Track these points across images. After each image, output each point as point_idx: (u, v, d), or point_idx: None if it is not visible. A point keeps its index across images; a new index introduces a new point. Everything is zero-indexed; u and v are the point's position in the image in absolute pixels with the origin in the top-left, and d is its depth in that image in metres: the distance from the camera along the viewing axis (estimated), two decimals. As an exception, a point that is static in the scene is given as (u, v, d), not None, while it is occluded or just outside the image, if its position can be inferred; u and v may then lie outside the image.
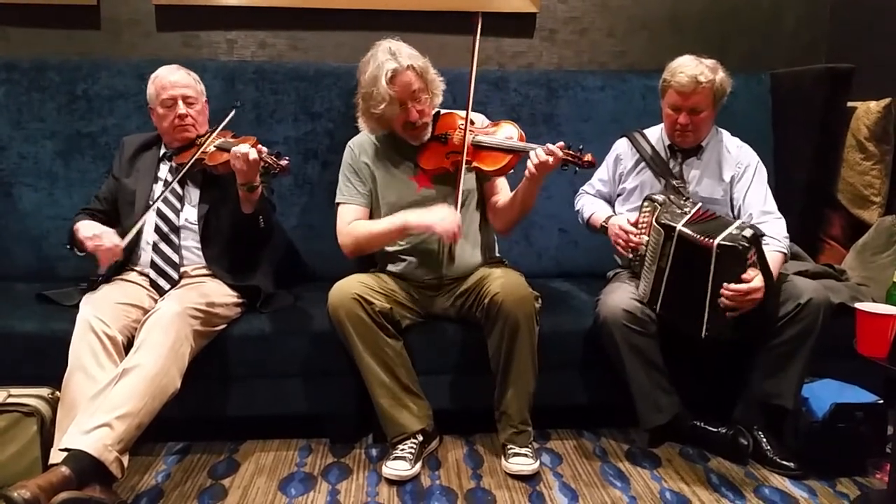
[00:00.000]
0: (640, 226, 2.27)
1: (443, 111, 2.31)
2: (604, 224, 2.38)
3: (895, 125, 2.73)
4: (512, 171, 2.20)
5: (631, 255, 2.29)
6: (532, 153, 2.08)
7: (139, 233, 2.24)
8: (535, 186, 2.16)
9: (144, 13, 2.94)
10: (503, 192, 2.32)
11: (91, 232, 2.13)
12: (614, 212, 2.47)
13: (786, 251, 2.24)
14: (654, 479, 2.15)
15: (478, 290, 2.17)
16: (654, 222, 2.19)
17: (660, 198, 2.24)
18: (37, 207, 2.69)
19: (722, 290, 2.04)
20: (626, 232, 2.26)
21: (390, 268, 2.28)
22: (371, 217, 2.29)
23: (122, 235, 2.29)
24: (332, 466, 2.20)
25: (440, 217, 2.09)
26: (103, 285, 2.18)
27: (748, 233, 2.04)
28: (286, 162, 2.06)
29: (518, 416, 2.16)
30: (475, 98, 2.46)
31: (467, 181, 2.27)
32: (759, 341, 2.19)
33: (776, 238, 2.22)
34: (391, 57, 2.11)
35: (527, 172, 2.11)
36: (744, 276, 2.03)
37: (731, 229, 2.06)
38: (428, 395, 2.23)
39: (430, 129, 2.25)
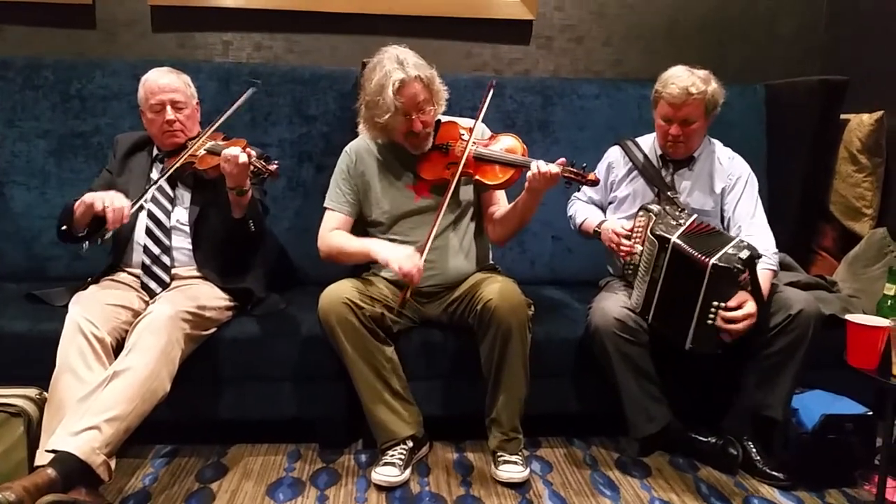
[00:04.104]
0: (634, 235, 2.27)
1: (444, 119, 2.29)
2: (596, 229, 2.38)
3: (887, 138, 2.75)
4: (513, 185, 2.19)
5: (627, 260, 2.29)
6: (532, 168, 2.07)
7: (132, 231, 2.23)
8: (534, 201, 2.15)
9: (140, 13, 2.94)
10: (501, 202, 2.31)
11: (99, 194, 2.07)
12: (606, 219, 2.47)
13: (775, 268, 2.24)
14: (644, 489, 2.15)
15: (471, 296, 2.17)
16: (648, 233, 2.19)
17: (655, 208, 2.24)
18: (28, 207, 2.67)
19: (720, 314, 2.04)
20: (619, 236, 2.26)
21: (382, 273, 2.27)
22: (362, 221, 2.30)
23: (114, 235, 2.27)
24: (321, 472, 2.19)
25: (402, 257, 2.06)
26: (92, 286, 2.17)
27: (744, 254, 2.03)
28: (275, 166, 2.05)
29: (509, 423, 2.15)
30: (472, 104, 2.48)
31: (465, 192, 2.27)
32: (750, 352, 2.19)
33: (765, 255, 2.22)
34: (398, 66, 2.09)
35: (526, 186, 2.11)
36: (731, 303, 2.03)
37: (728, 249, 2.06)
38: (418, 401, 2.22)
39: (431, 138, 2.24)
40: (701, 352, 2.11)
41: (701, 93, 2.23)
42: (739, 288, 2.05)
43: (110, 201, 2.03)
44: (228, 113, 2.27)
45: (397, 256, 2.06)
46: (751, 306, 2.04)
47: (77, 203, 2.12)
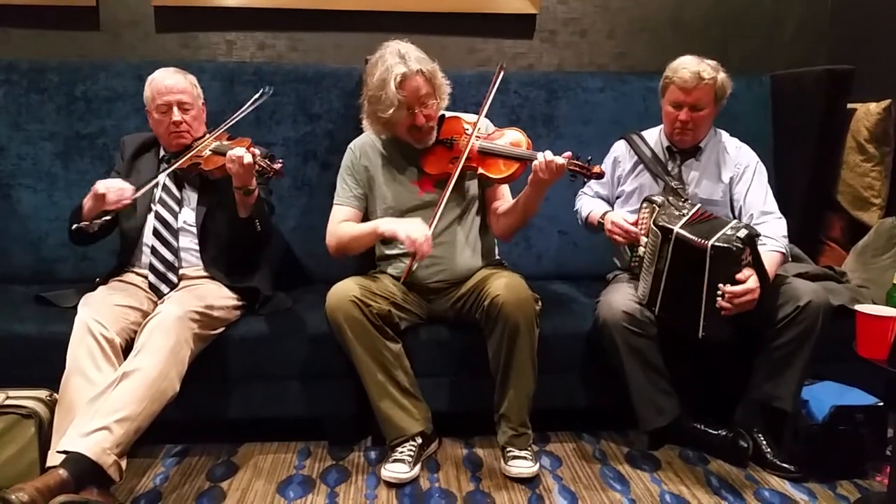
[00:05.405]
0: (639, 228, 2.27)
1: (447, 114, 2.29)
2: (600, 220, 2.38)
3: (895, 127, 2.73)
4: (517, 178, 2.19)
5: (630, 252, 2.29)
6: (537, 160, 2.06)
7: (139, 232, 2.24)
8: (538, 194, 2.14)
9: (143, 15, 2.94)
10: (505, 197, 2.31)
11: (103, 181, 2.12)
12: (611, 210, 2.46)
13: (784, 251, 2.23)
14: (654, 482, 2.15)
15: (478, 292, 2.17)
16: (651, 224, 2.19)
17: (658, 199, 2.24)
18: (35, 209, 2.68)
19: (719, 292, 2.04)
20: (623, 228, 2.26)
21: (389, 270, 2.27)
22: (368, 218, 2.29)
23: (123, 236, 2.29)
24: (331, 469, 2.20)
25: (410, 229, 2.05)
26: (101, 287, 2.18)
27: (742, 233, 2.04)
28: (280, 165, 2.06)
29: (517, 418, 2.15)
30: (477, 99, 2.48)
31: (470, 187, 2.27)
32: (759, 343, 2.19)
33: (774, 238, 2.22)
34: (400, 60, 2.09)
35: (531, 179, 2.10)
36: (738, 276, 2.03)
37: (726, 229, 2.07)
38: (427, 398, 2.22)
39: (434, 132, 2.24)
40: (715, 338, 2.10)
41: (711, 78, 2.24)
42: (742, 267, 2.04)
43: (113, 184, 2.08)
44: (237, 116, 2.30)
45: (405, 227, 2.06)
46: (752, 282, 2.04)
47: (86, 199, 2.14)
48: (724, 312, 2.06)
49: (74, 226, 2.17)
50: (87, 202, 2.14)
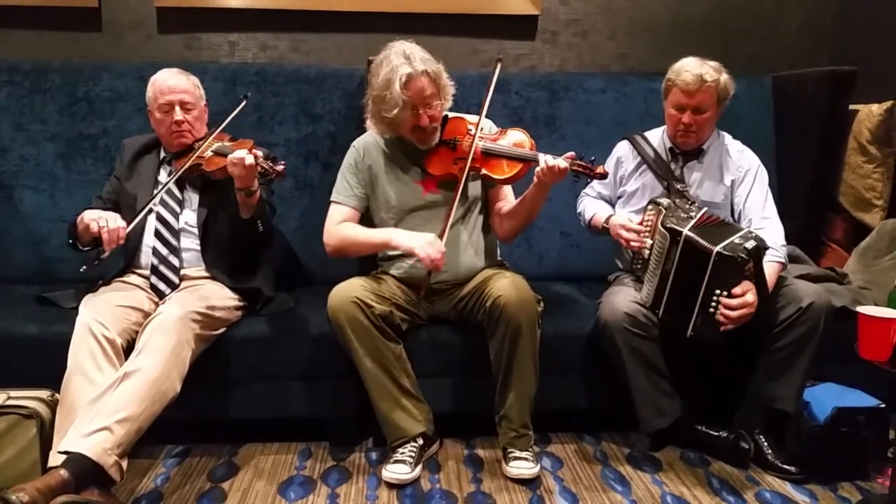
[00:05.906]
0: (644, 229, 2.26)
1: (451, 115, 2.29)
2: (605, 225, 2.37)
3: (897, 128, 2.73)
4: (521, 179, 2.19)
5: (633, 253, 2.28)
6: (540, 162, 2.07)
7: (141, 233, 2.24)
8: (541, 195, 2.15)
9: (146, 15, 2.95)
10: (508, 198, 2.31)
11: (97, 214, 2.08)
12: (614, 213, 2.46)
13: (783, 260, 2.23)
14: (655, 483, 2.14)
15: (480, 293, 2.17)
16: (659, 226, 2.18)
17: (665, 201, 2.23)
18: (38, 209, 2.69)
19: (715, 298, 2.04)
20: (631, 230, 2.25)
21: (391, 271, 2.27)
22: (369, 218, 2.30)
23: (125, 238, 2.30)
24: (332, 470, 2.20)
25: (424, 244, 2.05)
26: (103, 287, 2.18)
27: (750, 245, 2.03)
28: (282, 167, 2.05)
29: (519, 419, 2.15)
30: (479, 100, 2.47)
31: (472, 188, 2.27)
32: (761, 345, 2.19)
33: (773, 247, 2.21)
34: (406, 61, 2.09)
35: (535, 180, 2.10)
36: (736, 290, 2.03)
37: (735, 238, 2.06)
38: (428, 399, 2.22)
39: (438, 133, 2.24)
40: (703, 340, 2.10)
41: (714, 80, 2.23)
42: (744, 278, 2.04)
43: (105, 222, 2.03)
44: (224, 123, 2.31)
45: (420, 243, 2.05)
46: (750, 296, 2.03)
47: (79, 219, 2.13)
48: (717, 317, 2.05)
49: (85, 266, 2.07)
50: (80, 224, 2.10)
